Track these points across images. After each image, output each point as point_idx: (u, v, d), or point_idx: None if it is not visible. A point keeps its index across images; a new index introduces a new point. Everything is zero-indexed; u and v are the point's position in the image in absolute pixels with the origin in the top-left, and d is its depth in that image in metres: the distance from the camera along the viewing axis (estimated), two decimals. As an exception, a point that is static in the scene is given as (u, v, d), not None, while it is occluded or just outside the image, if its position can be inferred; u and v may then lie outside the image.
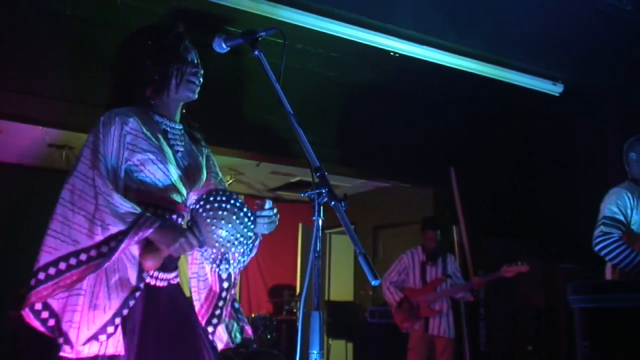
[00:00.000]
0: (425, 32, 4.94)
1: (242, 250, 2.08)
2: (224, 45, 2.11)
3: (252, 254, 2.23)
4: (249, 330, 2.37)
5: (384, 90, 5.88)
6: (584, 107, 6.24)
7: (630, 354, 2.32)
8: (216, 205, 1.97)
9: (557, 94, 5.78)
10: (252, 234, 2.04)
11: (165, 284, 2.11)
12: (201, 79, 2.20)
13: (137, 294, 1.95)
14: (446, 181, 6.09)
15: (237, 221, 1.97)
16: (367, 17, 4.71)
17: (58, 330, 1.89)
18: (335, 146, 5.71)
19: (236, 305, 2.33)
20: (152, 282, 2.06)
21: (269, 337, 6.15)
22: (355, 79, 5.74)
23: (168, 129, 2.17)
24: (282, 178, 8.05)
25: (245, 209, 2.01)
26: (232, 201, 1.99)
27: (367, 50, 5.01)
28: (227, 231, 1.96)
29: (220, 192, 2.03)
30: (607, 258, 3.37)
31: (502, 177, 6.39)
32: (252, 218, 2.02)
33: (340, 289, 8.63)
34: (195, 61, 2.20)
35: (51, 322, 1.89)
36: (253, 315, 6.54)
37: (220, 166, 2.41)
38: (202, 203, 2.00)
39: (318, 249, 1.68)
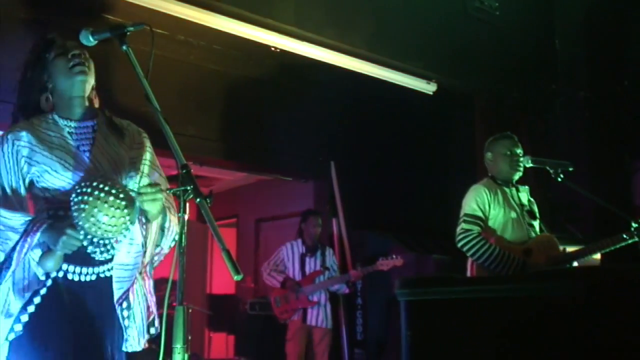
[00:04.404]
0: (305, 28, 5.00)
1: (127, 228, 2.05)
2: (91, 39, 2.10)
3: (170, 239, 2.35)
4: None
5: (266, 84, 5.89)
6: (456, 106, 6.56)
7: (445, 341, 2.58)
8: (80, 193, 1.97)
9: (431, 93, 6.02)
10: (127, 210, 1.99)
11: (92, 277, 2.13)
12: (87, 65, 2.21)
13: (44, 290, 2.04)
14: (327, 175, 6.21)
15: (106, 204, 1.94)
16: (248, 11, 4.70)
17: None
18: (218, 139, 5.67)
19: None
20: (76, 278, 2.09)
21: (147, 331, 6.03)
22: (238, 72, 5.72)
23: (73, 130, 2.20)
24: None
25: (113, 190, 1.97)
26: (94, 185, 1.97)
27: (249, 44, 5.01)
28: (103, 215, 1.95)
29: (86, 181, 2.01)
30: (468, 254, 3.57)
31: (380, 172, 6.59)
32: (121, 195, 1.98)
33: (222, 282, 8.59)
34: (75, 52, 2.21)
35: None
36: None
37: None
38: (72, 196, 1.99)
39: (183, 245, 1.69)
